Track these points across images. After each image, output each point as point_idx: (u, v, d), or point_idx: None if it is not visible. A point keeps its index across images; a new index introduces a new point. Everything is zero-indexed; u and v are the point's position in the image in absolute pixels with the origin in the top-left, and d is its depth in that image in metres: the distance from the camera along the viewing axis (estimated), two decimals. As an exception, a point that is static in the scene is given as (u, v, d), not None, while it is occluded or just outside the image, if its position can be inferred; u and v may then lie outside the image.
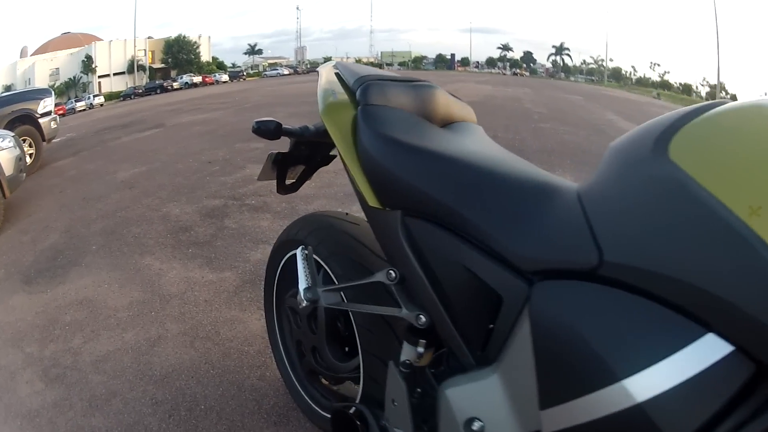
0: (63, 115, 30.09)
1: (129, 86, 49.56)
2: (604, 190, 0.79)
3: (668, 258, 0.66)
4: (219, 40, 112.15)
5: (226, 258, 3.21)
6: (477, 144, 1.19)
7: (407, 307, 1.06)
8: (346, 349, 1.44)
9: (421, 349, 1.04)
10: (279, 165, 1.57)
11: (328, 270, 1.38)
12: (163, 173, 6.04)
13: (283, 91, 22.14)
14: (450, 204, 0.95)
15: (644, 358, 0.64)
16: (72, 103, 37.46)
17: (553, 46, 76.63)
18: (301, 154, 1.57)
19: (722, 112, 0.73)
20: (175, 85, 46.91)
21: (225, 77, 54.14)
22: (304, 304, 1.31)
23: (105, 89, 48.89)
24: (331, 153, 1.61)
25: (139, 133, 10.79)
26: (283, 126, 1.41)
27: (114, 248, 3.56)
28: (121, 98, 42.55)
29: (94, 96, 42.13)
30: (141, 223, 4.07)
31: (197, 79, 49.87)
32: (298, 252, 1.40)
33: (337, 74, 1.38)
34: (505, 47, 79.76)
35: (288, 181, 1.65)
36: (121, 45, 54.93)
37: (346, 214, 1.53)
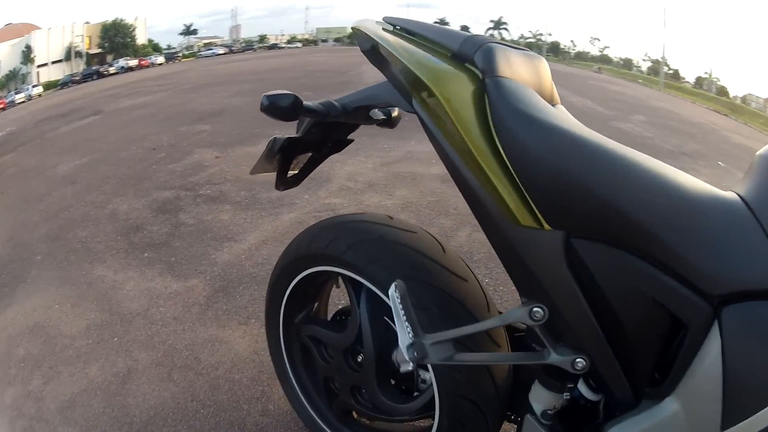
0: (3, 108, 29.15)
1: (66, 74, 47.23)
2: None
3: None
4: (155, 21, 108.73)
5: (188, 262, 2.86)
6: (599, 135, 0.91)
7: (557, 351, 0.89)
8: (404, 386, 1.25)
9: (567, 395, 0.96)
10: (284, 153, 1.24)
11: (399, 308, 0.95)
12: (105, 163, 5.57)
13: (221, 70, 21.65)
14: (637, 217, 0.78)
15: None
16: (12, 95, 35.63)
17: (491, 21, 76.41)
18: (313, 138, 1.24)
19: None
20: (112, 69, 44.96)
21: (161, 59, 52.36)
22: (408, 366, 1.04)
23: (44, 78, 46.41)
24: (348, 137, 1.34)
25: (78, 121, 10.24)
26: (304, 102, 1.07)
27: (60, 257, 3.13)
28: (59, 87, 40.68)
29: (33, 86, 40.01)
30: (87, 225, 3.63)
31: (133, 62, 47.98)
32: (392, 290, 0.96)
33: (398, 31, 1.08)
34: (442, 22, 79.05)
35: (290, 174, 1.33)
36: (60, 32, 51.88)
37: (390, 218, 1.20)
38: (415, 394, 1.24)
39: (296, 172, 1.36)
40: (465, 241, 2.82)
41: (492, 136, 0.86)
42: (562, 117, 0.92)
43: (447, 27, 1.06)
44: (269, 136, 1.24)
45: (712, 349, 0.76)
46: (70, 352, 2.13)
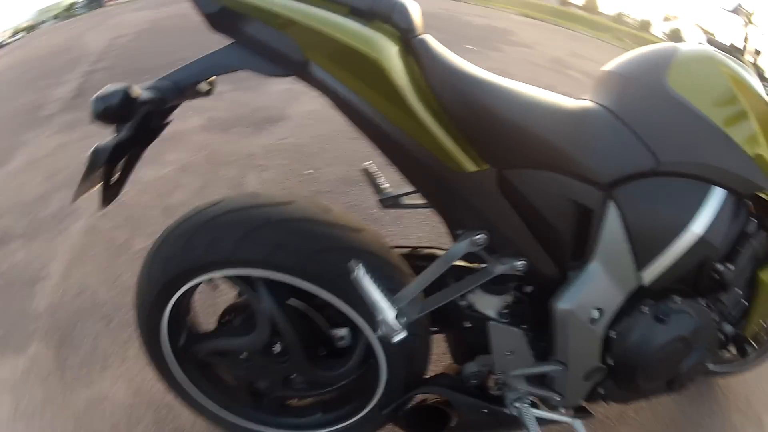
0: None
1: None
2: (634, 110, 1.07)
3: (695, 153, 1.07)
4: None
5: (13, 327, 2.24)
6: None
7: (501, 262, 1.06)
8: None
9: (513, 292, 1.17)
10: (110, 161, 0.94)
11: (370, 285, 0.97)
12: None
13: None
14: (546, 139, 0.98)
15: (692, 210, 1.10)
16: None
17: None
18: (138, 132, 0.97)
19: (691, 54, 1.17)
20: None
21: None
22: (400, 334, 0.99)
23: None
24: (166, 121, 1.06)
25: None
26: (141, 91, 0.87)
27: None
28: None
29: None
30: None
31: None
32: (356, 273, 0.98)
33: None
34: None
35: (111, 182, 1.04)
36: None
37: (256, 195, 1.10)
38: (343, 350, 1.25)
39: (117, 177, 1.04)
40: (257, 183, 2.65)
41: (425, 93, 0.90)
42: (466, 62, 0.99)
43: None
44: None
45: (613, 218, 1.05)
46: None
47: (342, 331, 1.22)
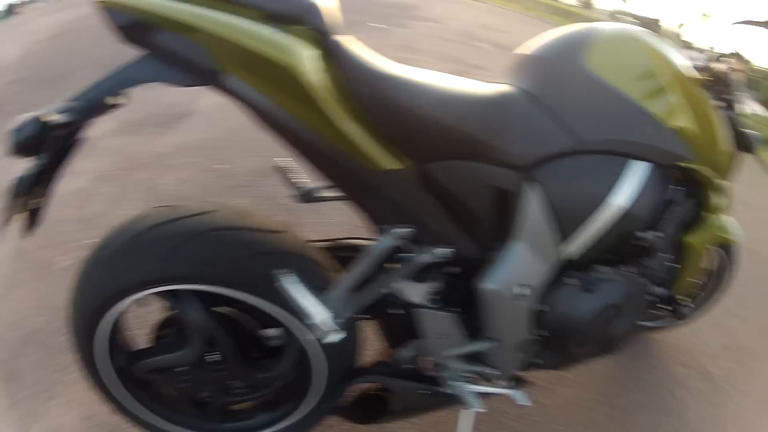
0: None
1: None
2: (551, 91, 1.08)
3: (613, 130, 1.10)
4: None
5: None
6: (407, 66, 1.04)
7: (427, 252, 1.07)
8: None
9: (443, 279, 1.17)
10: (34, 187, 0.91)
11: (301, 293, 0.99)
12: None
13: None
14: (462, 129, 0.99)
15: (612, 184, 1.12)
16: None
17: None
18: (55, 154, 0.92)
19: (610, 34, 1.16)
20: None
21: None
22: (336, 335, 1.00)
23: None
24: (81, 137, 0.97)
25: None
26: (54, 116, 0.84)
27: None
28: None
29: None
30: None
31: None
32: (286, 280, 0.98)
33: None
34: None
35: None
36: None
37: (176, 207, 1.05)
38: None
39: (40, 200, 0.98)
40: (172, 185, 2.55)
41: (343, 95, 0.89)
42: (382, 59, 0.98)
43: None
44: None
45: (533, 199, 1.07)
46: None
47: (273, 331, 1.20)
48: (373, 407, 1.31)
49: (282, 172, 1.30)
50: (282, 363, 1.20)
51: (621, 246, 1.23)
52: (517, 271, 1.12)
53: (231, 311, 1.16)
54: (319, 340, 1.09)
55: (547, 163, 1.06)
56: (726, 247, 1.90)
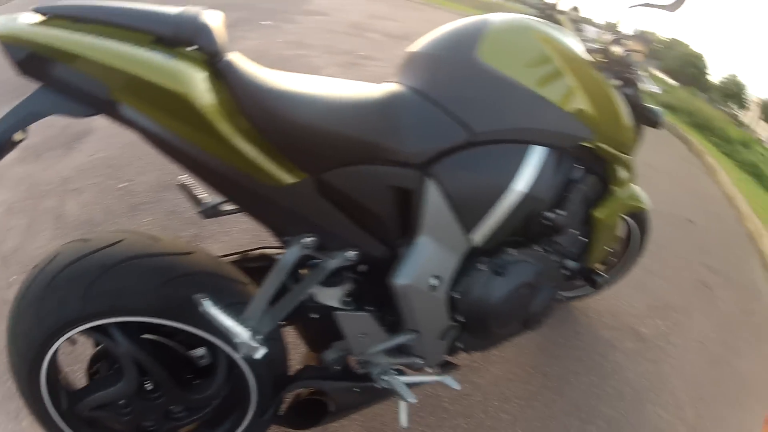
0: None
1: None
2: (443, 87, 1.10)
3: (509, 119, 1.13)
4: None
5: None
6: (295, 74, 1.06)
7: (334, 257, 1.09)
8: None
9: (348, 285, 1.19)
10: None
11: (220, 313, 0.97)
12: None
13: None
14: (353, 135, 0.99)
15: (512, 171, 1.16)
16: None
17: None
18: None
19: (502, 25, 1.18)
20: None
21: None
22: (261, 351, 0.98)
23: None
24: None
25: None
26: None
27: None
28: None
29: None
30: None
31: None
32: (205, 303, 0.97)
33: (68, 23, 0.83)
34: None
35: None
36: None
37: (85, 240, 1.04)
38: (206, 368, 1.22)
39: None
40: (77, 209, 2.48)
41: (236, 115, 0.89)
42: (273, 73, 0.98)
43: (136, 6, 0.85)
44: None
45: (433, 194, 1.09)
46: None
47: (200, 351, 1.19)
48: (312, 411, 1.32)
49: (185, 188, 1.28)
50: (215, 381, 1.20)
51: (528, 228, 1.28)
52: (426, 263, 1.14)
53: (157, 337, 1.14)
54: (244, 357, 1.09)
55: (443, 158, 1.08)
56: (637, 215, 2.00)
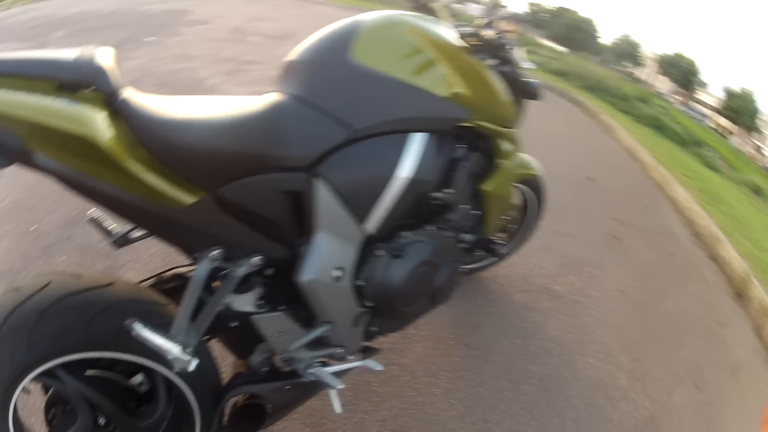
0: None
1: None
2: (321, 90, 1.16)
3: (386, 112, 1.20)
4: None
5: None
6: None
7: (241, 265, 1.14)
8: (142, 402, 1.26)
9: (259, 289, 1.25)
10: None
11: (151, 335, 1.03)
12: None
13: None
14: (242, 149, 1.05)
15: (396, 159, 1.24)
16: None
17: None
18: None
19: (374, 23, 1.26)
20: None
21: None
22: (192, 362, 1.05)
23: None
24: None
25: None
26: None
27: None
28: None
29: None
30: None
31: None
32: (135, 327, 1.02)
33: None
34: None
35: None
36: None
37: (17, 289, 1.07)
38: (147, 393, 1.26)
39: None
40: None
41: (136, 148, 0.94)
42: (164, 100, 1.04)
43: (37, 54, 0.90)
44: None
45: (323, 192, 1.15)
46: None
47: (139, 378, 1.23)
48: (253, 416, 1.36)
49: (95, 222, 1.30)
50: (159, 404, 1.24)
51: (420, 210, 1.38)
52: (326, 258, 1.21)
53: (98, 372, 1.17)
54: (180, 372, 1.13)
55: (328, 158, 1.15)
56: (530, 182, 2.14)
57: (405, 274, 1.33)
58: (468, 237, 1.56)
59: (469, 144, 1.49)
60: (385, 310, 1.38)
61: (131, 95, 0.96)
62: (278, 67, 1.27)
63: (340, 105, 1.16)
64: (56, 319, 1.03)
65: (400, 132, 1.25)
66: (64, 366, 1.09)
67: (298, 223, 1.19)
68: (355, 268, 1.29)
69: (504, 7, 1.58)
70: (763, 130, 44.68)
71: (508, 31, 1.50)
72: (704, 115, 45.73)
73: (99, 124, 0.89)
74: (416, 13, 1.40)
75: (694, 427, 2.29)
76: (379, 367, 1.45)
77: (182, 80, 4.25)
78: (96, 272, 1.14)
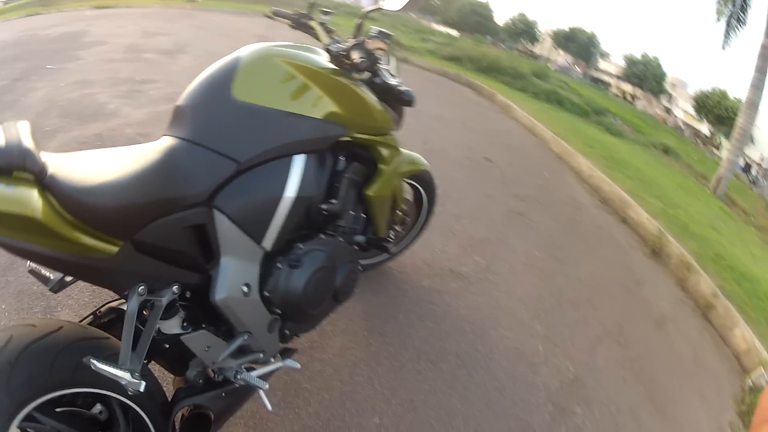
0: None
1: None
2: (207, 130, 1.30)
3: (266, 142, 1.36)
4: None
5: None
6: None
7: (163, 295, 1.28)
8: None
9: (182, 312, 1.40)
10: None
11: (108, 367, 1.18)
12: None
13: None
14: (142, 197, 1.17)
15: (282, 182, 1.41)
16: None
17: None
18: None
19: (250, 59, 1.39)
20: None
21: None
22: (142, 384, 1.20)
23: None
24: None
25: None
26: None
27: None
28: None
29: None
30: None
31: None
32: (93, 363, 1.17)
33: None
34: None
35: None
36: None
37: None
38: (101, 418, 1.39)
39: None
40: None
41: (66, 215, 1.08)
42: (80, 160, 1.20)
43: None
44: None
45: (221, 221, 1.31)
46: None
47: (98, 407, 1.37)
48: (202, 426, 1.52)
49: (34, 272, 1.43)
50: (120, 428, 1.37)
51: (311, 221, 1.58)
52: (234, 277, 1.38)
53: (66, 409, 1.30)
54: (132, 396, 1.29)
55: (222, 190, 1.30)
56: (419, 176, 2.36)
57: (304, 281, 1.52)
58: (359, 239, 1.78)
59: (350, 155, 1.69)
60: (292, 314, 1.57)
61: (54, 167, 1.10)
62: (172, 83, 1.40)
63: (225, 141, 1.30)
64: (26, 366, 1.16)
65: (283, 156, 1.42)
66: (37, 409, 1.21)
67: (206, 250, 1.34)
68: (261, 282, 1.47)
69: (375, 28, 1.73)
70: (670, 92, 47.12)
71: (377, 48, 1.64)
72: (607, 84, 47.94)
73: (34, 203, 1.04)
74: (289, 43, 1.55)
75: (624, 382, 2.46)
76: (297, 366, 1.64)
77: (84, 108, 4.23)
78: (45, 318, 1.30)
